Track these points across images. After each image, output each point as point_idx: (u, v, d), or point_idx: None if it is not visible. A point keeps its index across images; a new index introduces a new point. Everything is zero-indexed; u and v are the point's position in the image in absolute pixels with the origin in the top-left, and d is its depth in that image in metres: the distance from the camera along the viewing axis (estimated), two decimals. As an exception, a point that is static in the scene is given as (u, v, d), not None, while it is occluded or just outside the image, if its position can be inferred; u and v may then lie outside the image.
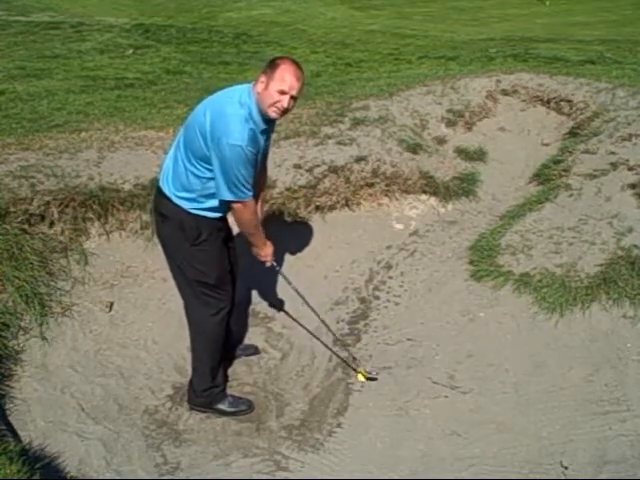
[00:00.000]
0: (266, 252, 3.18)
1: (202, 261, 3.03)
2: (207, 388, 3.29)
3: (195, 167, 2.85)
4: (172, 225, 2.98)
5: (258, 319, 4.02)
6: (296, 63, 2.82)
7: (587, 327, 3.60)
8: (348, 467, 3.08)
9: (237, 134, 2.69)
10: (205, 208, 2.94)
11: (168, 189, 2.95)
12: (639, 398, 3.20)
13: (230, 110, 2.74)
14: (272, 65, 2.79)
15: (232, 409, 3.35)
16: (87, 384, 3.36)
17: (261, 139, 2.88)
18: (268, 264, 3.25)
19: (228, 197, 2.82)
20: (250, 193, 2.86)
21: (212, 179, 2.84)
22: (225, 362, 3.47)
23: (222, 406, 3.34)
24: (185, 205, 2.92)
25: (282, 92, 2.76)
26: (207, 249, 3.02)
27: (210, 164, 2.80)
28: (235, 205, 2.87)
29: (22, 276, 3.54)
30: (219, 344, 3.27)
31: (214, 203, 2.93)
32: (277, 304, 4.03)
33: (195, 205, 2.92)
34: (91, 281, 3.89)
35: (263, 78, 2.79)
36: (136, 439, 3.16)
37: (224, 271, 3.14)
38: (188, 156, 2.86)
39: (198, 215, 2.94)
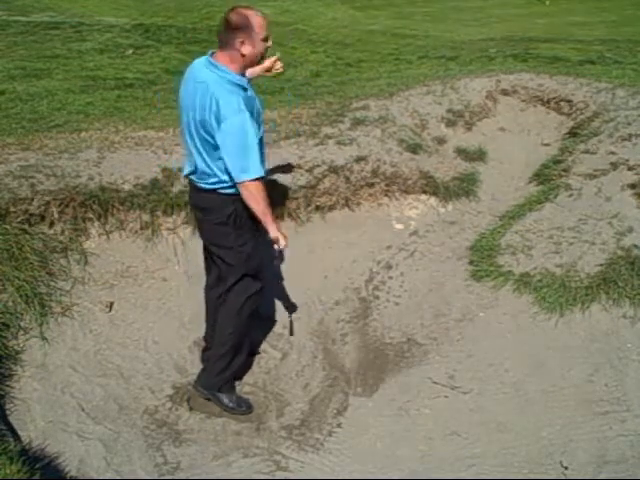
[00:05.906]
0: (282, 232, 3.15)
1: (243, 243, 3.16)
2: (223, 369, 3.33)
3: (224, 166, 2.95)
4: (215, 214, 3.11)
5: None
6: (250, 7, 2.91)
7: (587, 327, 3.60)
8: (348, 467, 3.08)
9: (234, 105, 2.82)
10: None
11: (203, 183, 3.08)
12: (639, 398, 3.20)
13: (219, 93, 2.83)
14: (240, 23, 2.85)
15: (232, 405, 3.36)
16: (87, 384, 3.36)
17: (251, 99, 2.99)
18: (282, 246, 3.15)
19: (244, 178, 2.90)
20: (263, 168, 2.97)
21: None
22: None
23: (225, 398, 3.35)
24: (219, 186, 3.04)
25: (266, 38, 2.94)
26: (245, 230, 3.15)
27: None
28: (251, 184, 2.91)
29: (22, 276, 3.54)
30: (248, 327, 3.37)
31: None
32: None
33: (228, 185, 3.02)
34: (91, 281, 3.89)
35: (242, 39, 2.85)
36: (136, 439, 3.16)
37: (257, 255, 3.28)
38: (215, 161, 2.97)
39: (234, 195, 3.03)
